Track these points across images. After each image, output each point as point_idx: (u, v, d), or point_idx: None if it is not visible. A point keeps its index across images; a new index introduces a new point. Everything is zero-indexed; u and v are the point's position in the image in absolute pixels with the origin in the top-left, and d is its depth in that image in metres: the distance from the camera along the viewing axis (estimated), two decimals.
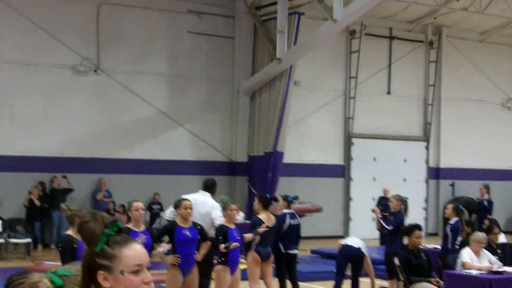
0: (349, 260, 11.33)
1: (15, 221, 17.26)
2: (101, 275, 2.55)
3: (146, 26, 20.37)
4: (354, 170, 23.32)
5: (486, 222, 13.94)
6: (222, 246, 8.90)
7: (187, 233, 8.59)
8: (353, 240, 11.53)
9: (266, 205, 10.36)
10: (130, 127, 20.06)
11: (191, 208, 8.76)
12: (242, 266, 11.06)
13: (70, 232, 7.50)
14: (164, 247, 8.47)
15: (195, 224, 8.77)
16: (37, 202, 17.93)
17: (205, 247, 8.89)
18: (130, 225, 8.34)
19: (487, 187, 15.85)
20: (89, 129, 19.49)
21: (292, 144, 21.44)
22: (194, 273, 8.75)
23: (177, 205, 8.87)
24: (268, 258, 10.25)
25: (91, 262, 2.57)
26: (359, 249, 11.29)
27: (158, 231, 8.77)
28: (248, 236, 9.22)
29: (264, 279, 10.40)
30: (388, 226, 12.10)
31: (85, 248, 2.62)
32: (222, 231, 9.05)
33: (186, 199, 8.91)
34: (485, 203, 15.64)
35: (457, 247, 11.29)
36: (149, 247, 8.06)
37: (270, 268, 10.46)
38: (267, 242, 10.21)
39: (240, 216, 15.43)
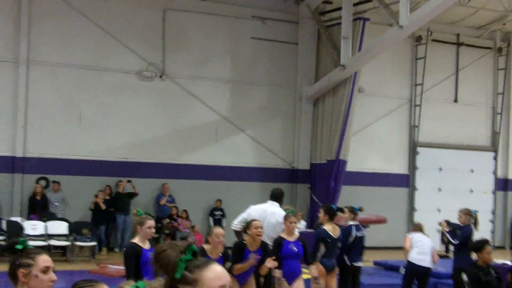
0: (416, 276, 11.08)
1: (81, 224, 17.50)
2: None
3: (210, 31, 20.37)
4: (418, 180, 22.85)
5: None
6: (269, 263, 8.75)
7: (255, 256, 8.55)
8: (421, 257, 11.19)
9: (332, 216, 10.16)
10: (192, 132, 20.09)
11: (261, 228, 8.70)
12: (305, 276, 10.89)
13: (136, 240, 7.54)
14: (272, 263, 8.41)
15: (261, 247, 8.72)
16: (102, 206, 18.17)
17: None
18: (207, 249, 8.25)
19: None
20: (153, 133, 19.61)
21: (355, 152, 21.12)
22: (251, 282, 8.75)
23: (247, 228, 8.78)
24: (333, 270, 10.11)
25: None
26: (427, 268, 11.06)
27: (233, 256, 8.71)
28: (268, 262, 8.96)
29: None
30: (454, 240, 11.78)
31: (165, 277, 2.60)
32: (277, 242, 8.97)
33: (255, 220, 8.84)
34: None
35: None
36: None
37: (334, 280, 10.30)
38: (332, 254, 10.08)
39: (301, 225, 15.25)
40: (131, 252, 7.37)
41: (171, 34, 19.89)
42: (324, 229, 10.06)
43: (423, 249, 11.35)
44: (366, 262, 16.22)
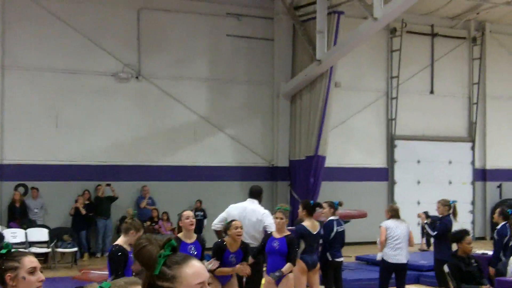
0: (393, 272, 11.01)
1: (61, 230, 17.43)
2: None
3: (186, 30, 20.31)
4: (397, 173, 22.93)
5: None
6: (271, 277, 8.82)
7: (233, 258, 8.58)
8: (396, 253, 10.98)
9: (310, 212, 10.15)
10: (171, 133, 20.04)
11: (241, 228, 8.70)
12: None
13: (120, 241, 7.50)
14: (214, 264, 8.37)
15: (242, 247, 8.72)
16: (82, 211, 18.03)
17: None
18: (181, 236, 8.32)
19: None
20: (131, 136, 19.54)
21: (334, 147, 21.15)
22: (233, 282, 8.73)
23: (227, 228, 8.77)
24: (315, 267, 10.06)
25: (152, 286, 2.52)
26: (403, 264, 10.93)
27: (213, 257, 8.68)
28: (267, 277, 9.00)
29: (311, 287, 10.22)
30: (433, 232, 11.81)
31: (145, 272, 2.57)
32: (265, 238, 9.10)
33: (235, 220, 8.84)
34: None
35: (502, 252, 10.98)
36: (199, 258, 8.00)
37: (316, 276, 10.29)
38: (313, 250, 10.03)
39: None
40: (119, 254, 7.29)
41: (147, 34, 19.80)
42: (303, 225, 10.08)
43: (398, 243, 11.01)
44: (348, 257, 16.28)
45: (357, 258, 16.46)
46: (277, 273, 8.80)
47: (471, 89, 24.41)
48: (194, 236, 8.37)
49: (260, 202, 10.15)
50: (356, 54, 21.14)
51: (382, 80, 23.07)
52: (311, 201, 10.50)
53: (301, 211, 10.17)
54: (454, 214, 11.87)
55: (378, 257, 11.43)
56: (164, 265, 2.52)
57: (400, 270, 10.97)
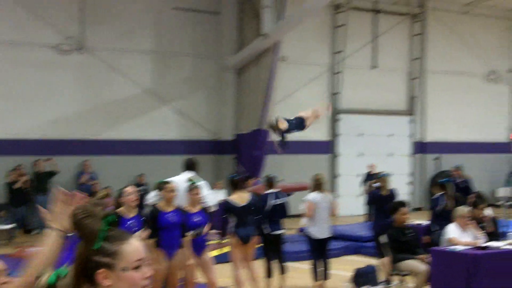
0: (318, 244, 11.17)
1: None
2: (101, 274, 2.46)
3: (131, 2, 20.18)
4: (340, 146, 23.36)
5: (472, 196, 13.97)
6: (189, 234, 8.76)
7: (171, 217, 8.55)
8: (319, 228, 11.00)
9: (235, 186, 10.18)
10: (115, 107, 19.94)
11: (175, 191, 8.71)
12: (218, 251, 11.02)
13: None
14: (143, 234, 8.32)
15: (178, 208, 8.73)
16: (18, 185, 17.56)
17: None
18: (121, 211, 8.22)
19: (459, 169, 15.85)
20: (73, 110, 19.36)
21: None
22: (179, 257, 8.68)
23: (160, 188, 8.81)
24: (249, 240, 10.00)
25: (89, 261, 2.48)
26: (326, 238, 11.06)
27: (147, 223, 8.56)
28: (187, 235, 8.90)
29: (244, 261, 10.28)
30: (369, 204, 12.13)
31: (80, 246, 2.52)
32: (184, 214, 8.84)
33: (168, 182, 8.86)
34: (462, 184, 15.66)
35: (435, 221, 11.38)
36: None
37: (251, 250, 10.24)
38: (246, 223, 9.94)
39: (222, 194, 15.27)
40: None
41: (90, 6, 19.52)
42: (227, 200, 10.16)
43: (320, 218, 10.95)
44: (292, 230, 16.57)
45: (300, 230, 16.74)
46: (195, 232, 8.81)
47: (412, 64, 24.91)
48: (134, 211, 8.30)
49: (196, 174, 10.20)
50: (302, 29, 21.32)
51: (327, 55, 23.36)
52: (234, 175, 10.59)
53: (229, 186, 10.27)
54: (382, 187, 12.21)
55: (303, 222, 11.56)
56: (104, 240, 2.47)
57: (323, 244, 11.05)
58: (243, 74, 21.16)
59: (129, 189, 8.43)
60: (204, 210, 9.15)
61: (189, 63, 21.16)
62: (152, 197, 9.73)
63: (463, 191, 15.26)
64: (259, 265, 11.24)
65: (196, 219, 8.92)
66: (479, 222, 10.90)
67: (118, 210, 8.27)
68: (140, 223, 8.31)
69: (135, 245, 2.52)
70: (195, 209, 9.03)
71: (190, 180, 9.51)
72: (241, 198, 10.07)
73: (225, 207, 9.84)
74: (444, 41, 25.23)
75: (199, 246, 9.04)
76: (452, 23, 25.39)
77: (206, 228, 8.92)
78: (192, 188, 9.08)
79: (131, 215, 8.22)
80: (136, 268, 2.49)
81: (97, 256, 2.47)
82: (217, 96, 21.45)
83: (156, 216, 8.51)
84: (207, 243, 9.33)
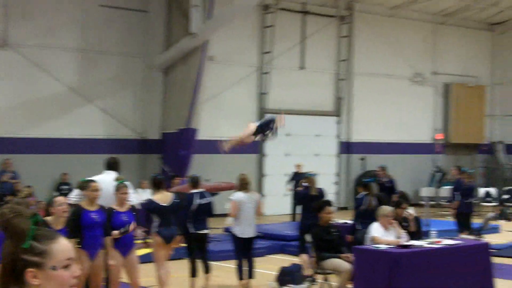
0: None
1: None
2: (30, 273, 2.44)
3: None
4: (267, 146, 23.41)
5: (395, 196, 14.22)
6: (116, 232, 8.71)
7: (94, 216, 8.44)
8: (244, 228, 10.98)
9: (157, 185, 10.16)
10: (38, 104, 19.52)
11: (98, 190, 8.59)
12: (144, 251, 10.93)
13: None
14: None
15: (101, 207, 8.61)
16: None
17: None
18: (50, 220, 8.05)
19: (383, 168, 16.16)
20: None
21: (207, 120, 21.33)
22: (101, 257, 8.57)
23: (83, 187, 8.67)
24: (172, 240, 9.92)
25: (17, 260, 2.46)
26: (250, 238, 11.09)
27: (69, 222, 8.40)
28: (114, 233, 8.84)
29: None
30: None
31: (7, 246, 2.49)
32: (107, 214, 8.73)
33: (92, 181, 8.73)
34: (387, 183, 15.94)
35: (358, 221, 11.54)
36: None
37: (171, 250, 10.19)
38: (169, 223, 9.87)
39: (147, 194, 15.15)
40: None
41: (15, 1, 19.12)
42: (151, 199, 10.11)
43: (246, 218, 10.96)
44: (217, 229, 16.56)
45: (226, 230, 16.75)
46: (122, 230, 8.75)
47: (339, 65, 25.21)
48: (63, 223, 8.14)
49: (118, 173, 10.10)
50: (230, 29, 21.34)
51: (255, 55, 23.42)
52: (156, 174, 10.56)
53: (151, 185, 10.19)
54: (310, 187, 12.32)
55: (228, 221, 11.60)
56: (33, 239, 2.46)
57: (248, 243, 11.08)
58: (171, 73, 21.04)
59: (61, 199, 8.30)
60: (132, 210, 9.05)
61: (115, 61, 20.90)
62: (74, 196, 9.57)
63: (387, 190, 15.48)
64: (184, 265, 11.19)
65: (124, 218, 8.82)
66: (402, 221, 11.08)
67: (47, 218, 8.11)
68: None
69: (64, 245, 2.52)
70: (123, 208, 8.93)
71: (118, 179, 9.40)
72: (164, 197, 10.01)
73: (149, 206, 9.76)
74: (371, 44, 25.63)
75: (125, 246, 8.93)
76: (378, 26, 25.81)
77: (132, 227, 8.80)
78: (120, 187, 8.98)
79: (59, 226, 8.03)
80: (65, 267, 2.49)
81: (26, 255, 2.45)
82: (144, 95, 21.25)
83: (79, 215, 8.37)
84: (134, 242, 9.21)
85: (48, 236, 2.50)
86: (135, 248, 9.28)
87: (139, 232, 9.48)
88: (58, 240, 2.51)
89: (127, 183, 9.53)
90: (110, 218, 8.73)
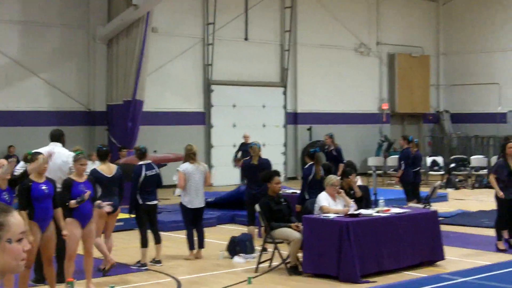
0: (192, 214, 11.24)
1: None
2: None
3: None
4: (214, 117, 23.42)
5: (343, 166, 14.35)
6: (73, 202, 8.68)
7: (44, 188, 8.35)
8: (192, 199, 11.02)
9: (102, 156, 10.21)
10: None
11: (46, 163, 8.49)
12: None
13: None
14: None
15: (49, 179, 8.53)
16: None
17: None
18: None
19: (331, 137, 16.29)
20: None
21: (152, 92, 21.21)
22: (51, 229, 8.53)
23: (30, 160, 8.55)
24: (114, 211, 9.98)
25: None
26: (199, 207, 11.19)
27: (20, 195, 8.30)
28: (71, 202, 8.82)
29: (105, 231, 10.25)
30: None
31: None
32: (67, 184, 8.76)
33: (39, 153, 8.61)
34: (334, 152, 16.08)
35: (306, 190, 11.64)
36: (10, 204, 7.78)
37: (113, 221, 10.29)
38: (111, 193, 9.94)
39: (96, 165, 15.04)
40: None
41: None
42: (96, 169, 10.09)
43: (194, 188, 11.04)
44: (166, 200, 16.55)
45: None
46: (79, 199, 8.72)
47: (283, 36, 25.22)
48: (5, 183, 8.09)
49: (63, 144, 10.03)
50: (172, 0, 21.14)
51: (199, 26, 23.27)
52: (100, 146, 10.53)
53: (94, 157, 10.14)
54: (253, 155, 12.38)
55: (177, 192, 11.61)
56: None
57: (197, 213, 11.18)
58: (114, 45, 20.82)
59: (2, 161, 8.21)
60: (89, 180, 8.99)
61: (58, 33, 20.58)
62: (19, 168, 9.42)
63: (334, 159, 15.60)
64: (135, 236, 11.16)
65: (83, 188, 8.77)
66: (350, 190, 11.20)
67: None
68: (12, 194, 8.14)
69: (18, 218, 2.52)
70: (81, 179, 8.87)
71: (76, 150, 9.38)
72: (108, 169, 10.07)
73: (93, 176, 9.68)
74: (315, 14, 25.69)
75: (84, 217, 8.89)
76: None
77: (87, 195, 8.74)
78: (79, 158, 8.91)
79: (3, 187, 7.97)
80: (19, 240, 2.50)
81: None
82: (87, 67, 21.00)
83: (29, 188, 8.28)
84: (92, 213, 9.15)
85: (4, 209, 2.49)
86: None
87: (98, 203, 9.40)
88: (13, 213, 2.50)
89: (72, 153, 9.48)
90: (69, 189, 8.72)
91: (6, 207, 2.51)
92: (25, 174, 8.43)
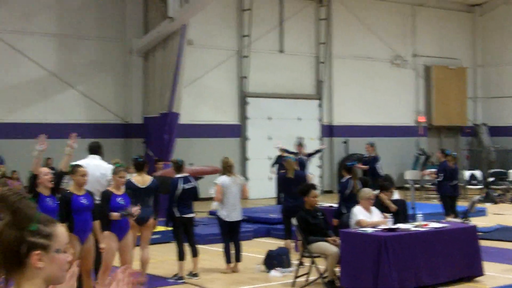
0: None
1: None
2: (36, 256, 2.45)
3: None
4: (249, 130, 23.42)
5: (380, 180, 14.24)
6: (116, 214, 8.70)
7: (83, 200, 8.41)
8: (229, 212, 11.06)
9: (138, 167, 10.22)
10: (19, 90, 19.42)
11: (86, 175, 8.55)
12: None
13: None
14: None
15: (88, 191, 8.59)
16: None
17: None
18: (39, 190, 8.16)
19: (372, 145, 16.18)
20: None
21: (188, 104, 21.30)
22: (91, 241, 8.57)
23: (71, 173, 8.62)
24: (146, 222, 9.94)
25: (22, 243, 2.44)
26: (236, 221, 11.16)
27: (59, 207, 8.38)
28: (114, 215, 8.83)
29: (140, 242, 10.22)
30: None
31: (7, 228, 2.45)
32: (106, 197, 8.81)
33: (80, 166, 8.68)
34: (372, 160, 15.97)
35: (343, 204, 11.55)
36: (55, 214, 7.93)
37: (148, 231, 10.20)
38: (144, 204, 9.80)
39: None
40: None
41: None
42: (129, 179, 10.07)
43: (231, 201, 11.05)
44: (202, 213, 16.56)
45: (210, 213, 16.76)
46: (124, 212, 8.73)
47: (318, 48, 25.17)
48: (49, 191, 8.26)
49: (102, 157, 10.09)
50: (208, 12, 21.29)
51: (234, 38, 23.35)
52: (137, 157, 10.55)
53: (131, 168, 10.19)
54: (288, 168, 12.34)
55: (214, 205, 11.60)
56: (38, 222, 2.47)
57: (234, 227, 11.17)
58: (150, 57, 20.96)
59: (44, 169, 8.31)
60: (127, 193, 9.03)
61: (94, 46, 20.77)
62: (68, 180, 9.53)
63: (371, 169, 15.50)
64: (171, 248, 11.17)
65: (121, 201, 8.80)
66: (386, 204, 11.07)
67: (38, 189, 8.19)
68: (56, 203, 8.26)
69: (63, 229, 2.56)
70: (120, 191, 8.92)
71: (116, 162, 9.42)
72: (142, 179, 10.08)
73: (126, 186, 9.70)
74: (350, 26, 25.62)
75: (121, 229, 8.90)
76: (356, 8, 25.80)
77: (133, 210, 8.78)
78: (118, 171, 8.95)
79: (48, 193, 8.18)
80: (64, 251, 2.53)
81: (34, 238, 2.45)
82: (124, 79, 21.15)
83: (69, 200, 8.34)
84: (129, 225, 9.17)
85: (50, 220, 2.52)
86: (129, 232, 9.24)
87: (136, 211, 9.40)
88: (57, 224, 2.54)
89: (110, 165, 9.52)
90: (108, 201, 8.75)
91: (52, 219, 2.54)
92: (33, 178, 8.43)
